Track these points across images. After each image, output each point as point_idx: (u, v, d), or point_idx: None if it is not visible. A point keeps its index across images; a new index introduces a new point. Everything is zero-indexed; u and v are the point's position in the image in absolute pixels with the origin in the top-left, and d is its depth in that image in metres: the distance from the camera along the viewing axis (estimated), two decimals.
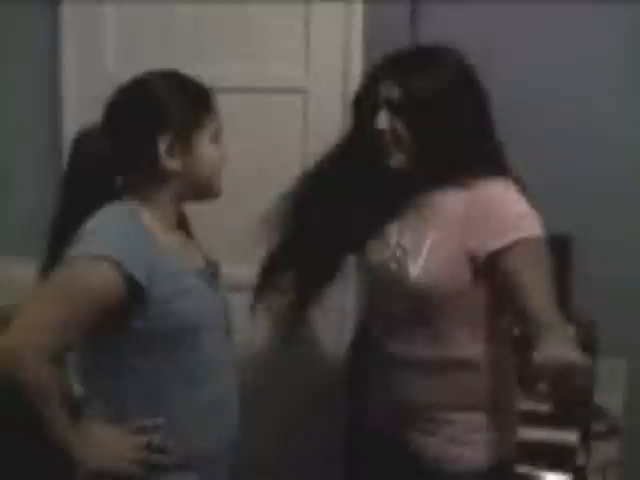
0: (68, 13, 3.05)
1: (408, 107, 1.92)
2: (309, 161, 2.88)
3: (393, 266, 1.99)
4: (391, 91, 1.93)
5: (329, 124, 2.87)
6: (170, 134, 1.83)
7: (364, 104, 2.02)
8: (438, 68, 1.95)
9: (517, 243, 1.84)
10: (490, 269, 1.88)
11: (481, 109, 1.98)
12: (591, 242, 2.82)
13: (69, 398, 1.81)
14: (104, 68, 3.03)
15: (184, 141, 1.85)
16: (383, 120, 1.94)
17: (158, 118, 1.84)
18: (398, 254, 2.00)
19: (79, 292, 1.73)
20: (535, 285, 1.80)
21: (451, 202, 1.96)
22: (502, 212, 1.90)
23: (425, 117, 1.92)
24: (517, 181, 1.98)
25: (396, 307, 2.02)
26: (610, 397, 2.79)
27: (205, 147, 1.89)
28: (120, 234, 1.79)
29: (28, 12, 3.10)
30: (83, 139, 1.92)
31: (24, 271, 2.77)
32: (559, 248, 2.74)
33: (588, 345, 2.60)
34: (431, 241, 1.95)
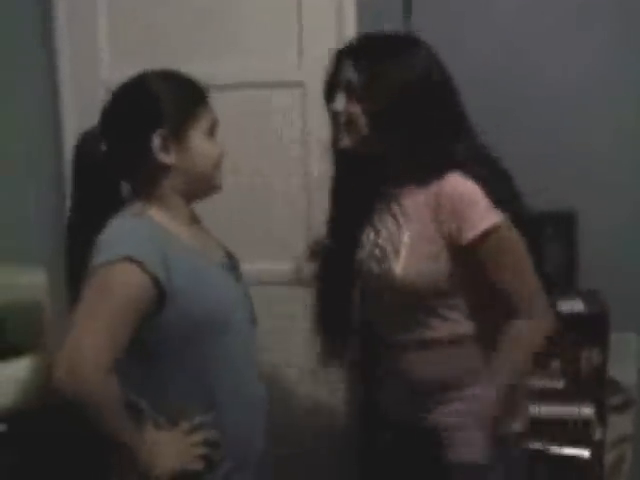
0: (62, 26, 3.05)
1: (365, 91, 1.92)
2: (309, 154, 2.93)
3: (373, 265, 2.02)
4: (351, 74, 1.94)
5: (327, 116, 2.88)
6: (163, 130, 1.85)
7: (327, 86, 2.04)
8: (401, 58, 1.94)
9: (487, 232, 1.88)
10: (468, 256, 1.91)
11: (441, 105, 1.96)
12: (597, 217, 2.82)
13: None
14: (99, 75, 3.03)
15: (178, 136, 1.87)
16: (339, 102, 1.96)
17: (150, 114, 1.86)
18: (377, 253, 2.01)
19: (116, 300, 1.74)
20: (508, 278, 1.91)
21: (418, 196, 1.97)
22: (471, 202, 1.90)
23: (381, 104, 1.91)
24: (476, 176, 1.94)
25: (385, 300, 2.04)
26: (623, 371, 2.80)
27: (200, 142, 1.91)
28: (135, 235, 1.81)
29: (22, 22, 3.10)
30: (82, 143, 1.95)
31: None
32: (565, 224, 2.76)
33: (599, 318, 2.63)
34: (408, 237, 1.96)
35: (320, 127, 2.84)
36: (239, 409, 1.92)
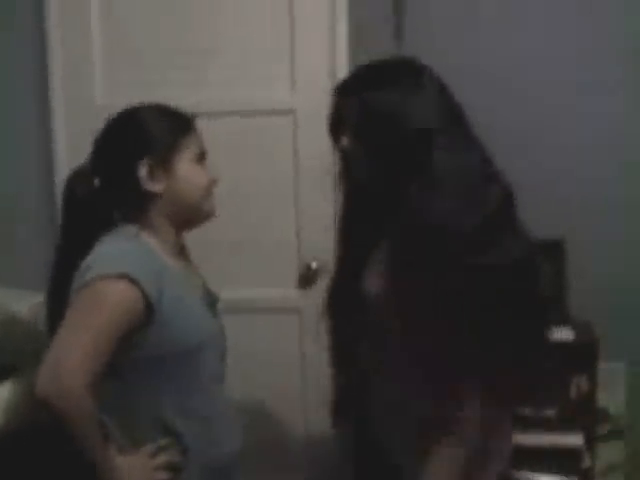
0: (56, 51, 3.06)
1: (366, 127, 1.87)
2: (300, 180, 2.95)
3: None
4: (352, 109, 1.90)
5: (318, 143, 2.88)
6: (149, 158, 1.89)
7: (331, 122, 2.00)
8: (402, 85, 1.87)
9: None
10: None
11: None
12: (585, 245, 2.83)
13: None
14: (93, 100, 3.05)
15: (164, 164, 1.90)
16: (345, 139, 1.92)
17: (137, 143, 1.90)
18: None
19: (106, 314, 1.75)
20: None
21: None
22: None
23: (381, 136, 1.85)
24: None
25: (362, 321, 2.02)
26: (612, 400, 2.80)
27: (187, 170, 1.93)
28: (130, 254, 1.84)
29: (16, 44, 3.12)
30: (74, 176, 1.98)
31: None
32: (554, 252, 2.77)
33: (588, 347, 2.63)
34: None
35: (310, 154, 2.89)
36: (204, 436, 1.94)
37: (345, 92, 1.94)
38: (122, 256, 1.82)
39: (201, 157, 1.98)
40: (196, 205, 1.96)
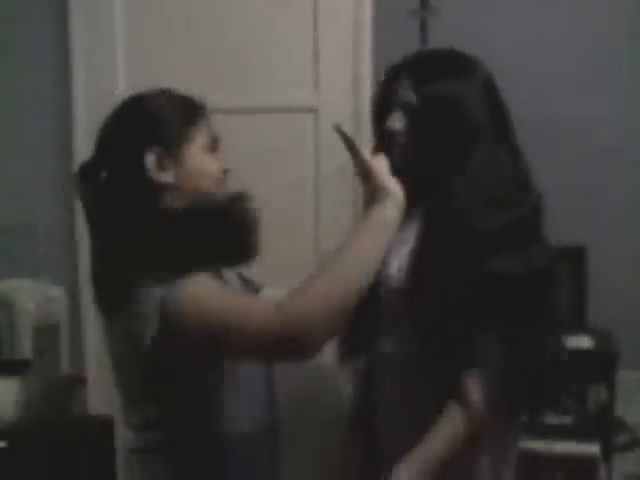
0: (78, 43, 3.10)
1: (422, 111, 1.90)
2: (320, 182, 2.94)
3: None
4: (407, 93, 1.92)
5: (340, 144, 2.88)
6: (157, 148, 1.80)
7: (380, 104, 2.01)
8: (459, 77, 1.93)
9: None
10: None
11: (491, 129, 1.94)
12: (606, 252, 2.81)
13: None
14: (114, 94, 3.04)
15: (173, 154, 1.82)
16: (395, 121, 1.93)
17: (143, 133, 1.82)
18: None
19: (220, 294, 1.77)
20: None
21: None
22: None
23: (435, 125, 1.90)
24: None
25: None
26: (630, 409, 2.77)
27: (198, 158, 1.85)
28: None
29: (38, 42, 3.15)
30: (81, 172, 1.89)
31: None
32: (574, 259, 2.74)
33: (607, 356, 2.60)
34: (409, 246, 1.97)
35: (331, 155, 2.88)
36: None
37: (401, 76, 1.95)
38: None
39: (213, 145, 1.90)
40: None
